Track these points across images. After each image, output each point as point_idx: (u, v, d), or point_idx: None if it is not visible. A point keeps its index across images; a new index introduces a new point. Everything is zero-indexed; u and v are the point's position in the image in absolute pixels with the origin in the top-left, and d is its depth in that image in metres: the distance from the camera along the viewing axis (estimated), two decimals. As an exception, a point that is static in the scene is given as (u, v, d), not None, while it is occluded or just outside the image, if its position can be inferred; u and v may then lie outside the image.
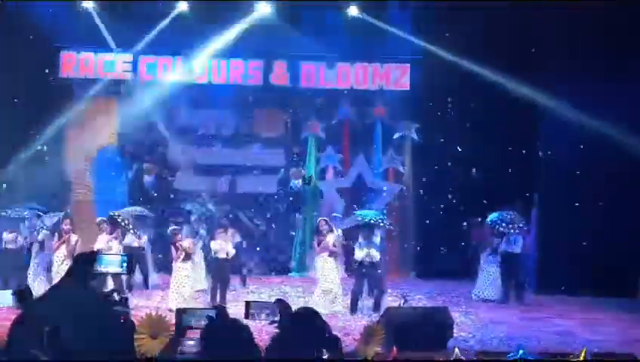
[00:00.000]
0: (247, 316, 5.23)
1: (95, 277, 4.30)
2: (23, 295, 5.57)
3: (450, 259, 18.98)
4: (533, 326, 13.53)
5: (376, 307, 13.83)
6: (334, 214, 17.68)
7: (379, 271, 14.51)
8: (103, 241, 14.67)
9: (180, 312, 4.74)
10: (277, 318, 4.97)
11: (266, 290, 16.24)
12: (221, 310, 4.60)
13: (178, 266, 13.88)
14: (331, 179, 19.90)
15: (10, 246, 15.37)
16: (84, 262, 4.36)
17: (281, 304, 5.06)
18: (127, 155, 19.67)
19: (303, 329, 4.50)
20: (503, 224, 15.80)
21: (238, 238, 15.96)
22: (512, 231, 15.76)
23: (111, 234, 14.91)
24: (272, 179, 19.78)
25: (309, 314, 4.63)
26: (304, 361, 4.49)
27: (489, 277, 16.17)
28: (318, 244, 14.30)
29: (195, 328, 4.51)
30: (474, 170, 18.95)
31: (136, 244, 15.51)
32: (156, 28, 18.46)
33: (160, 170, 19.64)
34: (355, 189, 19.78)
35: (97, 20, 18.48)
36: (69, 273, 4.36)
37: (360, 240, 14.32)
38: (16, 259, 15.28)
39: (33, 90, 18.22)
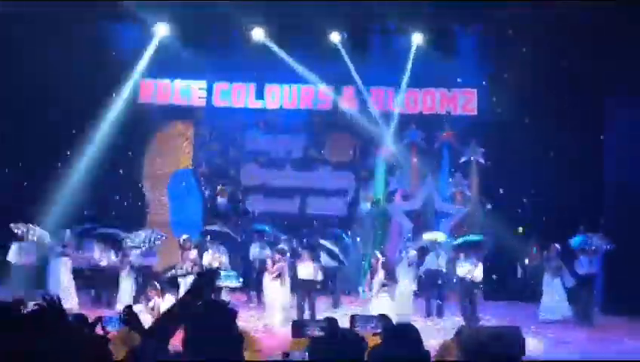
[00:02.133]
0: (352, 328, 5.68)
1: (216, 291, 4.81)
2: (130, 317, 6.03)
3: (516, 282, 19.21)
4: (603, 345, 13.75)
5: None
6: (408, 235, 18.01)
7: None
8: (189, 259, 15.36)
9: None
10: (379, 330, 5.41)
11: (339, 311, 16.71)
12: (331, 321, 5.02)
13: (271, 285, 14.48)
14: (399, 202, 20.28)
15: (103, 263, 16.37)
16: (209, 277, 4.87)
17: (384, 318, 5.51)
18: (202, 178, 20.35)
19: (403, 341, 4.93)
20: (593, 247, 16.20)
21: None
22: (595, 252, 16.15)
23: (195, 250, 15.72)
24: (342, 202, 20.20)
25: (410, 328, 5.07)
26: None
27: (553, 298, 16.44)
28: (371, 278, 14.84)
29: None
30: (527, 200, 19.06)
31: (216, 264, 16.06)
32: (231, 55, 19.14)
33: (233, 192, 20.20)
34: (423, 212, 20.15)
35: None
36: (193, 287, 4.86)
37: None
38: (106, 276, 16.28)
39: (114, 115, 19.10)
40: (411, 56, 19.05)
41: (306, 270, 14.90)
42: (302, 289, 14.97)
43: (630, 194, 17.51)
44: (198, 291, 4.89)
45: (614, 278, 17.14)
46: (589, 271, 16.32)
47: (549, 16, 17.13)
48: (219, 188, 20.04)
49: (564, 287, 16.50)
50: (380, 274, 14.75)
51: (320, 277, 15.20)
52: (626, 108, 17.53)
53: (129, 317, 5.85)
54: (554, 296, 16.48)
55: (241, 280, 5.85)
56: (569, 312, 16.30)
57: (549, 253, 16.86)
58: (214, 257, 15.76)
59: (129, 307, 6.62)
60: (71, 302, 15.41)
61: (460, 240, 16.98)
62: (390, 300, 14.65)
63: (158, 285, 13.93)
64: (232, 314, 4.91)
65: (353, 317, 5.69)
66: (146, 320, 13.42)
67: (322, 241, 16.48)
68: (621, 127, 17.95)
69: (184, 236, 16.54)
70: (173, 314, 4.98)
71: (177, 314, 4.89)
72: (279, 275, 14.54)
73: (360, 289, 19.27)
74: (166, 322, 4.98)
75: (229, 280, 5.89)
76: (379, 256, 15.31)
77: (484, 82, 19.53)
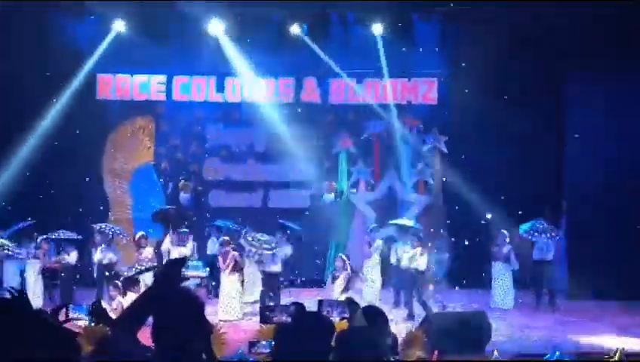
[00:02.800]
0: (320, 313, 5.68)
1: (184, 280, 4.79)
2: (98, 312, 6.01)
3: (480, 270, 19.32)
4: (567, 329, 13.92)
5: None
6: (372, 226, 18.04)
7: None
8: (145, 256, 15.32)
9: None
10: (347, 315, 5.42)
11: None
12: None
13: (228, 278, 14.37)
14: (362, 192, 20.32)
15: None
16: (176, 267, 4.85)
17: (352, 303, 5.52)
18: (164, 173, 20.21)
19: (370, 323, 4.95)
20: (536, 234, 16.27)
21: (289, 251, 16.46)
22: (544, 239, 16.23)
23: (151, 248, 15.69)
24: (305, 194, 20.20)
25: (377, 311, 5.08)
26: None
27: (504, 287, 16.57)
28: (332, 281, 14.84)
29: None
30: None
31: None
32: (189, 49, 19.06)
33: (195, 187, 20.10)
34: (386, 202, 20.21)
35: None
36: (160, 277, 4.84)
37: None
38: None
39: (71, 112, 18.90)
40: (380, 48, 19.14)
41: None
42: (266, 282, 14.89)
43: (591, 180, 17.70)
44: (166, 280, 4.87)
45: (578, 263, 17.31)
46: (539, 256, 16.44)
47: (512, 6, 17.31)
48: (181, 183, 19.94)
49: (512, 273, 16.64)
50: (342, 279, 14.69)
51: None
52: (587, 93, 17.73)
53: (97, 310, 5.84)
54: (505, 283, 16.61)
55: (207, 269, 5.82)
56: (512, 303, 16.44)
57: (496, 240, 16.98)
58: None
59: (98, 301, 6.57)
60: (36, 302, 15.29)
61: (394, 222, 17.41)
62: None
63: (119, 283, 13.99)
64: (201, 305, 4.89)
65: (321, 302, 5.68)
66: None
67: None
68: (582, 112, 18.13)
69: (140, 233, 16.47)
70: (140, 304, 4.94)
71: (145, 304, 4.86)
72: (235, 267, 14.44)
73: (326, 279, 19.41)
74: (134, 312, 4.95)
75: (196, 270, 5.84)
76: (344, 258, 15.24)
77: (444, 71, 19.61)
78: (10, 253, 15.44)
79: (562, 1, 16.71)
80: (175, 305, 4.52)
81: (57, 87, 18.88)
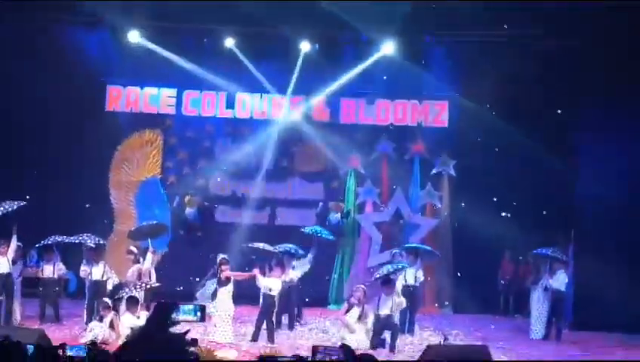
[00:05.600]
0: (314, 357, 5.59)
1: (174, 324, 4.74)
2: (95, 351, 5.93)
3: (486, 295, 19.23)
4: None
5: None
6: (395, 251, 17.73)
7: None
8: (132, 271, 15.32)
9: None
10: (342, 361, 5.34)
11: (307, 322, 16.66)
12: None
13: (221, 297, 14.25)
14: (370, 213, 20.21)
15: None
16: (166, 311, 4.79)
17: (346, 349, 5.42)
18: (170, 187, 20.15)
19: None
20: (557, 259, 16.16)
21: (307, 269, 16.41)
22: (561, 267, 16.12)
23: (138, 262, 15.54)
24: (311, 213, 20.09)
25: (370, 360, 4.99)
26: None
27: (541, 316, 16.40)
28: (346, 312, 14.73)
29: None
30: (508, 214, 19.10)
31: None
32: (201, 64, 19.04)
33: (202, 202, 20.03)
34: (393, 223, 20.10)
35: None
36: (151, 320, 4.79)
37: None
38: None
39: (81, 123, 18.91)
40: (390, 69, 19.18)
41: (274, 285, 14.70)
42: (263, 305, 14.74)
43: (601, 207, 17.54)
44: (154, 325, 4.84)
45: (583, 293, 17.14)
46: (555, 286, 16.28)
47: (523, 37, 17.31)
48: (187, 197, 19.87)
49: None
50: (357, 311, 14.57)
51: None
52: (603, 120, 17.64)
53: (94, 352, 5.76)
54: (540, 313, 16.43)
55: (198, 314, 5.75)
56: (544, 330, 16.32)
57: (539, 267, 16.75)
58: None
59: (94, 343, 6.53)
60: (14, 315, 15.24)
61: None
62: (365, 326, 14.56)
63: (108, 301, 13.92)
64: (188, 343, 4.84)
65: (315, 348, 5.59)
66: (106, 337, 13.30)
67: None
68: (594, 136, 17.98)
69: (131, 246, 16.33)
70: (132, 346, 4.92)
71: (136, 347, 4.82)
72: (227, 283, 14.36)
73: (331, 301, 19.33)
74: (126, 354, 4.92)
75: (187, 315, 5.77)
76: (364, 288, 14.98)
77: (455, 93, 19.54)
78: None
79: (574, 20, 16.68)
80: (162, 351, 4.46)
81: (68, 96, 18.84)
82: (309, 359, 4.93)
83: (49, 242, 15.58)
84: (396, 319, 14.73)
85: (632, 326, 16.45)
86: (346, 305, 14.95)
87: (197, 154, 20.30)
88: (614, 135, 17.38)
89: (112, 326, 13.67)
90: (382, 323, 14.38)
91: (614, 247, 17.12)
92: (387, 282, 14.77)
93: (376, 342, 14.23)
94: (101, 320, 13.73)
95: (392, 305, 14.46)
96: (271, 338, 14.28)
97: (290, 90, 19.56)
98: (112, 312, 13.79)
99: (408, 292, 15.71)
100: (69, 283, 18.35)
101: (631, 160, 17.28)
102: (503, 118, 18.60)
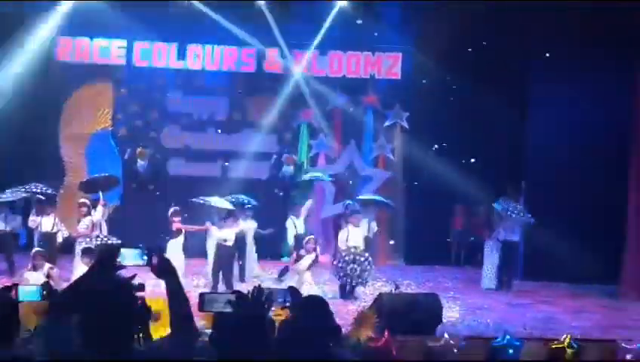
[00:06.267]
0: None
1: (119, 268, 4.66)
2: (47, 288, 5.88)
3: (437, 246, 19.41)
4: (520, 312, 14.00)
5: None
6: (348, 202, 17.74)
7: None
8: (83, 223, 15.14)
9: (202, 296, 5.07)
10: (288, 304, 5.34)
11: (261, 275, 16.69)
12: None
13: (173, 251, 14.20)
14: (322, 165, 20.22)
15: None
16: (109, 256, 4.73)
17: (293, 290, 5.43)
18: (121, 140, 19.92)
19: (312, 315, 4.85)
20: (515, 212, 16.28)
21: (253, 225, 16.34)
22: (521, 218, 16.24)
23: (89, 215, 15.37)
24: (264, 166, 20.07)
25: (318, 302, 4.98)
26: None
27: (493, 267, 16.58)
28: (295, 261, 14.69)
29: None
30: (462, 163, 19.18)
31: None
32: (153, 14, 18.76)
33: (153, 155, 19.83)
34: (346, 176, 20.15)
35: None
36: (94, 266, 4.73)
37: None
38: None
39: (30, 74, 18.54)
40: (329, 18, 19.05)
41: (229, 235, 14.69)
42: (219, 256, 14.73)
43: (552, 159, 17.72)
44: (98, 269, 4.76)
45: (534, 244, 17.35)
46: (507, 237, 16.48)
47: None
48: (138, 150, 19.65)
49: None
50: (307, 260, 14.57)
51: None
52: (551, 69, 17.74)
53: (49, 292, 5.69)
54: (493, 265, 16.61)
55: (145, 258, 5.68)
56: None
57: (493, 218, 16.90)
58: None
59: (47, 283, 6.43)
60: None
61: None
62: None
63: (42, 251, 13.63)
64: (135, 288, 4.77)
65: (260, 288, 5.54)
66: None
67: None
68: (546, 88, 18.10)
69: (82, 199, 16.17)
70: (73, 292, 4.84)
71: (78, 292, 4.75)
72: (178, 235, 14.33)
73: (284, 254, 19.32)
74: (68, 298, 4.85)
75: (132, 259, 5.68)
76: (314, 240, 14.97)
77: (408, 46, 19.53)
78: None
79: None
80: (106, 295, 4.40)
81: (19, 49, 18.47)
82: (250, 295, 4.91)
83: None
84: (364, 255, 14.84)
85: (580, 277, 16.70)
86: (294, 255, 14.92)
87: (148, 106, 20.03)
88: (565, 86, 17.51)
89: (49, 277, 13.36)
90: (352, 256, 14.54)
91: (565, 198, 17.32)
92: (356, 211, 14.93)
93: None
94: (35, 269, 13.10)
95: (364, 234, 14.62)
96: (230, 288, 14.27)
97: (242, 41, 19.36)
98: (48, 264, 13.29)
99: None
100: (19, 237, 18.09)
101: (582, 111, 17.42)
102: (456, 70, 18.63)
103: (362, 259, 14.67)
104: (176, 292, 4.49)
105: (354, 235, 14.90)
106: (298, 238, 15.95)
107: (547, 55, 17.85)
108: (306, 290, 13.84)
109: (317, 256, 14.55)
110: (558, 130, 17.71)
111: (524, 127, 18.66)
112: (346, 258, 14.57)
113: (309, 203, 17.33)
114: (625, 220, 16.44)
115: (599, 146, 17.21)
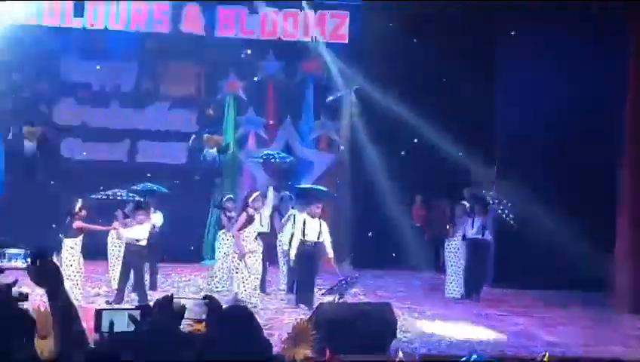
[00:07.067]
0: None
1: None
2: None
3: (393, 246, 19.49)
4: (489, 325, 14.09)
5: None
6: (284, 193, 17.69)
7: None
8: None
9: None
10: (204, 317, 5.25)
11: (176, 282, 16.60)
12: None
13: (74, 252, 14.06)
14: (252, 148, 20.17)
15: None
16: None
17: (211, 301, 5.33)
18: (5, 115, 19.62)
19: (233, 330, 4.79)
20: (496, 201, 16.37)
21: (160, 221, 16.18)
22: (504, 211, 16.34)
23: None
24: (181, 147, 19.97)
25: (242, 314, 4.91)
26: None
27: (458, 271, 16.63)
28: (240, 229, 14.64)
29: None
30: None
31: None
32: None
33: (43, 133, 19.60)
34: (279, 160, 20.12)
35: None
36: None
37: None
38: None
39: None
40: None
41: (141, 233, 14.57)
42: (130, 256, 14.60)
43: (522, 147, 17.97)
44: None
45: (504, 248, 17.51)
46: (476, 235, 16.55)
47: None
48: (26, 128, 19.41)
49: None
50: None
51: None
52: (516, 34, 18.00)
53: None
54: (459, 268, 16.66)
55: (28, 260, 5.58)
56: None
57: (456, 213, 16.97)
58: None
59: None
60: None
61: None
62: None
63: None
64: (16, 298, 4.74)
65: (169, 299, 5.46)
66: None
67: None
68: (511, 52, 18.34)
69: None
70: None
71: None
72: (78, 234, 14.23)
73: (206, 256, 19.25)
74: None
75: (13, 261, 5.56)
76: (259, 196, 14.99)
77: (357, 4, 19.56)
78: None
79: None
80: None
81: None
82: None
83: None
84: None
85: (559, 284, 16.91)
86: (242, 218, 14.74)
87: (37, 74, 19.76)
88: (530, 62, 17.78)
89: None
90: (308, 251, 14.71)
91: (541, 185, 17.52)
92: (317, 199, 14.98)
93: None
94: None
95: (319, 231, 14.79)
96: (143, 297, 14.05)
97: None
98: None
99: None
100: None
101: (548, 90, 17.70)
102: (415, 36, 18.71)
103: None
104: (60, 305, 4.43)
105: (311, 227, 14.87)
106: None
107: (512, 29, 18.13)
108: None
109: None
110: (525, 106, 17.98)
111: (489, 104, 18.76)
112: (302, 252, 14.69)
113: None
114: (613, 216, 16.62)
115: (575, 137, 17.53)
